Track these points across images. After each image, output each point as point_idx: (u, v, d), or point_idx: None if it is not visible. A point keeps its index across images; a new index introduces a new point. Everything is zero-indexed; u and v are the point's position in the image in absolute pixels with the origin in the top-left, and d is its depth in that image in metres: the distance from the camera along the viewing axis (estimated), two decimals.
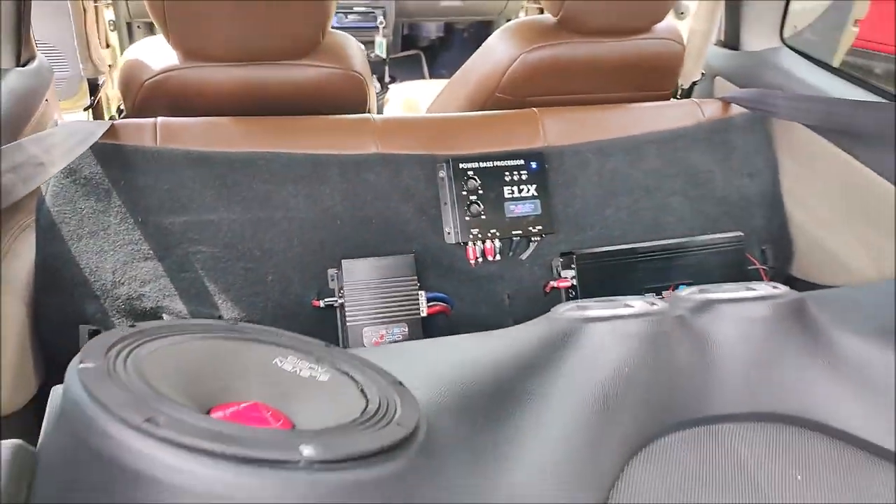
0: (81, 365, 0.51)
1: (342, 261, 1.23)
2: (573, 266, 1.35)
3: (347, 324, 1.22)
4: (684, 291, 0.82)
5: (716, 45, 1.79)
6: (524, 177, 1.38)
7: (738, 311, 0.75)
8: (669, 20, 1.58)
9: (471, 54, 3.41)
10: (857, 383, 0.74)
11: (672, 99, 1.73)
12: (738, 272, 1.48)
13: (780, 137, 1.58)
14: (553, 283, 1.37)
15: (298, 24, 1.29)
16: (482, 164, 1.36)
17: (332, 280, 1.26)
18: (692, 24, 1.73)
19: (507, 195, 1.36)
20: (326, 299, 1.24)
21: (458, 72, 1.67)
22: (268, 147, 1.26)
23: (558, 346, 0.72)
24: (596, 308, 0.74)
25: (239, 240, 1.22)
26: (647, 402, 0.70)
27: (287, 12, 1.26)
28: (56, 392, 0.63)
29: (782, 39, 1.72)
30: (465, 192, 1.33)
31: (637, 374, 0.70)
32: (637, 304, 0.73)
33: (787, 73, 1.62)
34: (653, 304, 0.73)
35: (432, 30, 3.08)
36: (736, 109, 1.58)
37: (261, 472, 0.46)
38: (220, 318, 1.21)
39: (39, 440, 0.58)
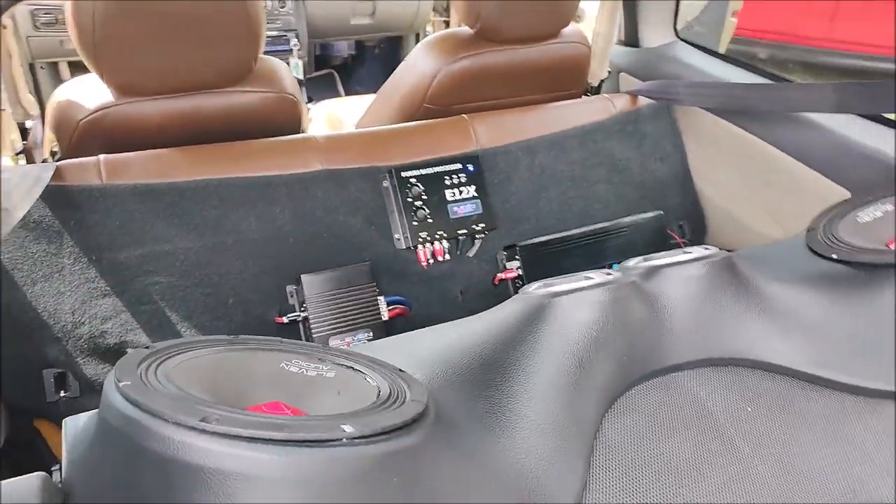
0: (122, 384, 0.54)
1: (301, 276, 1.28)
2: (517, 257, 1.45)
3: (314, 335, 1.26)
4: (632, 261, 0.92)
5: (618, 44, 1.94)
6: (463, 179, 1.46)
7: (680, 272, 0.85)
8: (572, 24, 1.71)
9: (383, 69, 3.49)
10: (782, 323, 0.86)
11: (583, 97, 1.86)
12: (662, 247, 1.62)
13: (683, 122, 1.74)
14: (500, 275, 1.46)
15: (231, 53, 1.32)
16: (423, 171, 1.43)
17: (292, 296, 1.30)
18: (595, 27, 1.87)
19: (449, 198, 1.44)
20: (289, 315, 1.27)
21: (384, 86, 1.74)
22: (214, 174, 1.29)
23: (533, 321, 0.80)
24: (560, 284, 0.83)
25: (195, 267, 1.25)
26: (615, 360, 0.79)
27: (219, 41, 1.29)
28: (75, 422, 0.66)
29: (676, 34, 1.89)
30: (410, 199, 1.41)
31: (603, 336, 0.79)
32: (595, 275, 0.83)
33: (683, 64, 1.79)
34: (608, 274, 0.83)
35: (343, 48, 3.14)
36: (643, 101, 1.72)
37: (310, 451, 0.51)
38: None
39: (64, 470, 0.61)
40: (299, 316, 1.27)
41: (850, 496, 0.70)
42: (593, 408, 0.76)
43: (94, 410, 0.68)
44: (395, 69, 3.28)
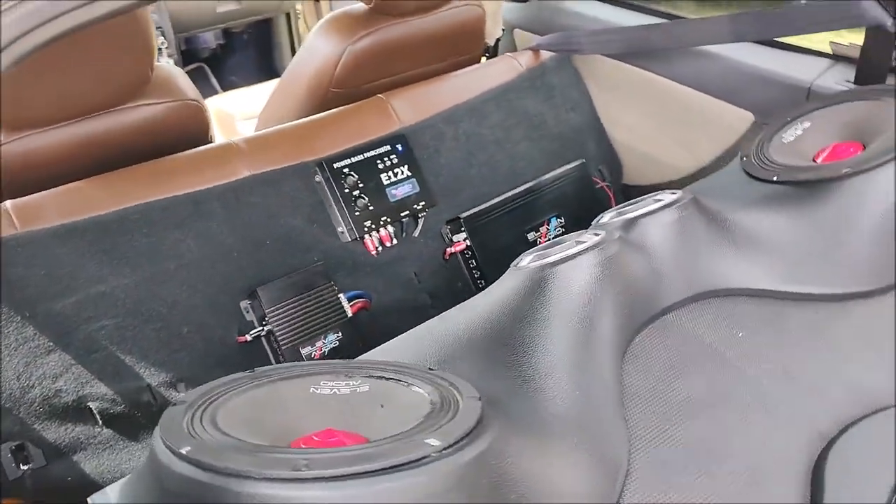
0: (184, 450, 0.51)
1: (258, 290, 1.22)
2: (462, 230, 1.46)
3: (282, 348, 1.22)
4: (606, 216, 0.95)
5: (508, 0, 1.95)
6: (395, 161, 1.44)
7: (656, 220, 0.89)
8: None
9: (257, 56, 3.33)
10: (749, 250, 0.93)
11: (486, 59, 1.87)
12: (591, 193, 1.69)
13: (584, 70, 1.79)
14: (450, 250, 1.46)
15: (125, 66, 1.22)
16: (355, 159, 1.40)
17: (248, 312, 1.24)
18: None
19: (385, 182, 1.42)
20: (251, 332, 1.22)
21: (284, 75, 1.67)
22: (137, 199, 1.20)
23: (536, 294, 0.81)
24: (553, 253, 0.84)
25: (139, 303, 1.16)
26: (618, 315, 0.82)
27: (110, 55, 1.18)
28: (106, 500, 0.61)
29: None
30: (347, 190, 1.37)
31: (603, 296, 0.81)
32: (585, 238, 0.85)
33: (576, 14, 1.83)
34: (596, 234, 0.85)
35: (210, 39, 2.96)
36: (545, 54, 1.75)
37: (404, 474, 0.50)
38: (148, 386, 1.15)
39: None
40: (262, 331, 1.22)
41: (852, 394, 0.77)
42: (610, 364, 0.79)
43: (122, 482, 0.63)
44: (270, 53, 3.13)
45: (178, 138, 1.34)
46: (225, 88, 2.94)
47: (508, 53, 1.78)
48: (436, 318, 0.88)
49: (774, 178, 1.03)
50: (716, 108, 1.57)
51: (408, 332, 0.86)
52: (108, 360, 1.13)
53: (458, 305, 0.89)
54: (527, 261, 0.86)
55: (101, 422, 1.11)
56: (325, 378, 0.69)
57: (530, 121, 1.68)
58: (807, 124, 1.14)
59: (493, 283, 1.47)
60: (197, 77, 3.01)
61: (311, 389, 0.67)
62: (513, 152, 1.63)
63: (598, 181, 1.73)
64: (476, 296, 0.89)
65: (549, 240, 1.57)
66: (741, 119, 1.53)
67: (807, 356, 0.83)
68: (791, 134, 1.13)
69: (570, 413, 0.71)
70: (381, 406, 0.66)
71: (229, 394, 0.64)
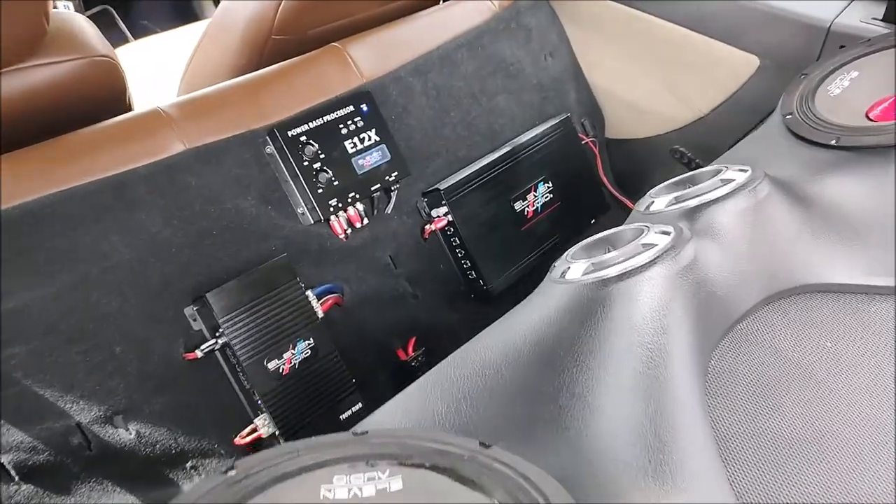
0: None
1: (206, 295, 0.99)
2: (443, 203, 1.25)
3: (243, 363, 1.00)
4: (659, 200, 0.77)
5: None
6: (360, 124, 1.21)
7: (729, 208, 0.72)
8: None
9: None
10: (824, 236, 0.77)
11: None
12: (578, 151, 1.50)
13: (560, 9, 1.58)
14: (430, 227, 1.26)
15: (11, 15, 0.93)
16: (312, 125, 1.16)
17: (195, 320, 1.01)
18: None
19: (350, 150, 1.19)
20: (202, 347, 0.99)
21: (212, 20, 1.38)
22: (45, 188, 0.94)
23: (594, 316, 0.63)
24: (611, 260, 0.65)
25: (59, 319, 0.92)
26: (696, 333, 0.65)
27: None
28: None
29: None
30: (306, 162, 1.13)
31: (680, 313, 0.64)
32: (651, 237, 0.66)
33: None
34: (664, 232, 0.67)
35: None
36: None
37: None
38: (77, 425, 0.92)
39: None
40: (216, 343, 1.00)
41: None
42: (695, 400, 0.62)
43: None
44: None
45: (87, 106, 1.06)
46: (136, 36, 2.56)
47: None
48: (466, 345, 0.69)
49: (833, 143, 0.87)
50: (714, 50, 1.40)
51: (431, 373, 0.67)
52: (23, 398, 0.89)
53: (489, 328, 0.69)
54: (576, 270, 0.66)
55: (17, 478, 0.88)
56: (335, 472, 0.49)
57: (507, 70, 1.46)
58: (854, 73, 0.97)
59: (479, 263, 1.30)
60: (102, 22, 2.60)
61: (323, 494, 0.47)
62: (490, 107, 1.41)
63: (583, 137, 1.54)
64: (511, 315, 0.70)
65: (538, 208, 1.39)
66: (745, 63, 1.36)
67: None
68: (837, 85, 0.97)
69: (661, 470, 0.54)
70: None
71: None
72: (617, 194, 1.55)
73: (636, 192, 1.57)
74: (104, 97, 1.11)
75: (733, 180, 0.74)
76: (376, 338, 1.19)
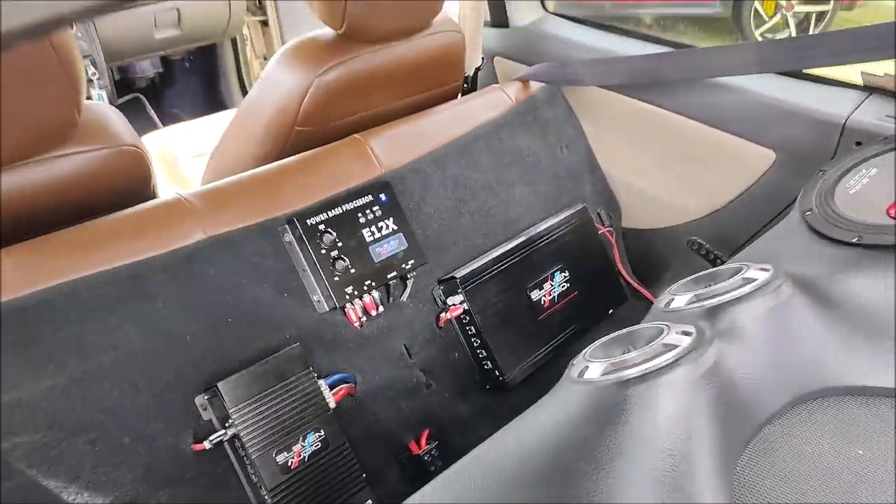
0: None
1: (218, 385, 0.98)
2: (459, 291, 1.24)
3: (252, 455, 0.97)
4: (677, 299, 0.75)
5: (486, 26, 1.77)
6: (378, 213, 1.22)
7: (750, 309, 0.70)
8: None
9: (200, 84, 3.04)
10: (852, 336, 0.75)
11: (465, 91, 1.68)
12: (595, 241, 1.50)
13: (574, 102, 1.62)
14: (445, 316, 1.24)
15: (45, 107, 0.97)
16: (331, 213, 1.17)
17: (205, 409, 0.99)
18: (462, 11, 1.68)
19: (368, 238, 1.20)
20: (211, 438, 0.97)
21: (238, 112, 1.43)
22: (62, 275, 0.95)
23: (612, 419, 0.60)
24: (631, 361, 0.63)
25: (67, 410, 0.90)
26: (714, 444, 0.62)
27: (25, 95, 0.93)
28: None
29: (545, 7, 1.75)
30: (323, 251, 1.14)
31: (698, 421, 0.61)
32: (672, 338, 0.65)
33: (561, 40, 1.66)
34: (686, 332, 0.65)
35: (147, 67, 2.68)
36: (536, 86, 1.57)
37: None
38: None
39: None
40: (225, 435, 0.97)
41: None
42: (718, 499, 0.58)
43: None
44: (215, 82, 2.85)
45: (112, 194, 1.09)
46: (165, 122, 2.66)
47: (496, 85, 1.59)
48: (483, 445, 0.66)
49: (856, 240, 0.85)
50: (730, 144, 1.41)
51: (442, 477, 0.64)
52: (28, 489, 0.87)
53: (505, 429, 0.67)
54: (595, 370, 0.65)
55: None
56: None
57: (524, 161, 1.49)
58: (873, 171, 0.97)
59: (495, 353, 1.28)
60: (133, 109, 2.72)
61: None
62: (507, 197, 1.43)
63: (600, 227, 1.54)
64: (528, 414, 0.67)
65: (555, 297, 1.37)
66: (762, 157, 1.37)
67: None
68: (856, 182, 0.97)
69: None
70: None
71: None
72: (635, 284, 1.53)
73: (654, 283, 1.55)
74: (130, 185, 1.13)
75: (755, 279, 0.72)
76: (388, 429, 1.16)
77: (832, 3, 4.61)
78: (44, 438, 0.89)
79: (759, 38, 4.41)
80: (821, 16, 4.65)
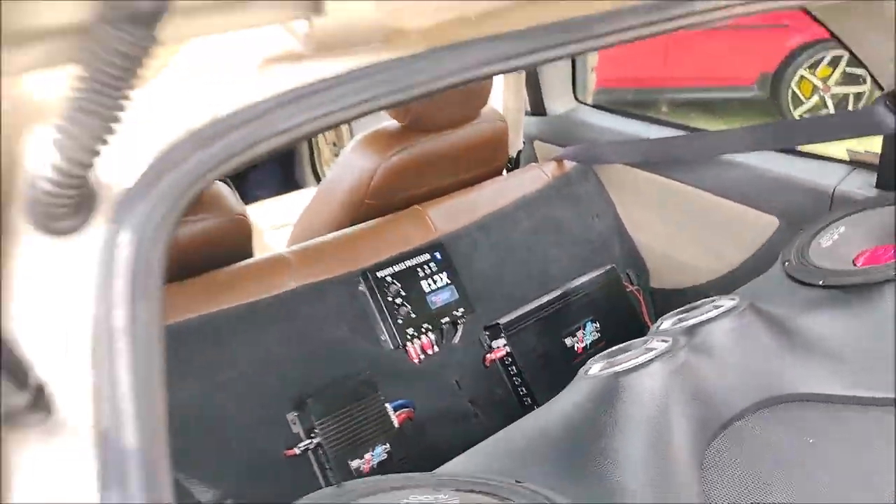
0: None
1: (307, 400, 1.22)
2: (502, 335, 1.47)
3: (331, 460, 1.20)
4: (666, 322, 0.97)
5: (527, 115, 2.06)
6: (434, 268, 1.47)
7: (719, 327, 0.91)
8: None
9: (280, 167, 3.42)
10: (810, 355, 0.94)
11: (508, 169, 1.95)
12: (623, 297, 1.71)
13: (606, 178, 1.86)
14: (490, 356, 1.47)
15: None
16: (397, 268, 1.43)
17: (294, 423, 1.23)
18: (506, 103, 1.98)
19: (426, 289, 1.45)
20: (299, 445, 1.21)
21: (321, 188, 1.73)
22: (199, 310, 1.22)
23: (606, 402, 0.82)
24: (622, 361, 0.85)
25: (195, 415, 1.16)
26: (692, 422, 0.82)
27: None
28: None
29: (576, 98, 2.04)
30: (389, 298, 1.39)
31: (676, 403, 0.82)
32: (653, 345, 0.86)
33: (589, 125, 1.94)
34: (663, 341, 0.87)
35: None
36: (569, 164, 1.83)
37: None
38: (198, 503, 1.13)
39: None
40: (311, 444, 1.21)
41: None
42: (690, 477, 0.78)
43: None
44: (290, 166, 3.23)
45: (227, 251, 1.37)
46: (248, 202, 3.02)
47: (534, 164, 1.86)
48: (507, 427, 0.88)
49: (821, 283, 1.06)
50: (740, 213, 1.63)
51: (482, 443, 0.86)
52: None
53: (530, 414, 0.89)
54: (596, 368, 0.87)
55: None
56: (414, 491, 0.68)
57: (558, 227, 1.73)
58: (842, 229, 1.18)
59: (534, 391, 1.49)
60: None
61: (403, 503, 0.66)
62: (543, 256, 1.67)
63: (628, 285, 1.76)
64: (547, 403, 0.89)
65: (587, 345, 1.58)
66: (767, 224, 1.58)
67: (881, 463, 0.82)
68: (828, 238, 1.17)
69: None
70: None
71: None
72: None
73: None
74: (239, 245, 1.42)
75: (723, 306, 0.94)
76: (441, 449, 1.37)
77: (868, 83, 4.81)
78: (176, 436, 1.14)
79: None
80: (858, 96, 4.80)
